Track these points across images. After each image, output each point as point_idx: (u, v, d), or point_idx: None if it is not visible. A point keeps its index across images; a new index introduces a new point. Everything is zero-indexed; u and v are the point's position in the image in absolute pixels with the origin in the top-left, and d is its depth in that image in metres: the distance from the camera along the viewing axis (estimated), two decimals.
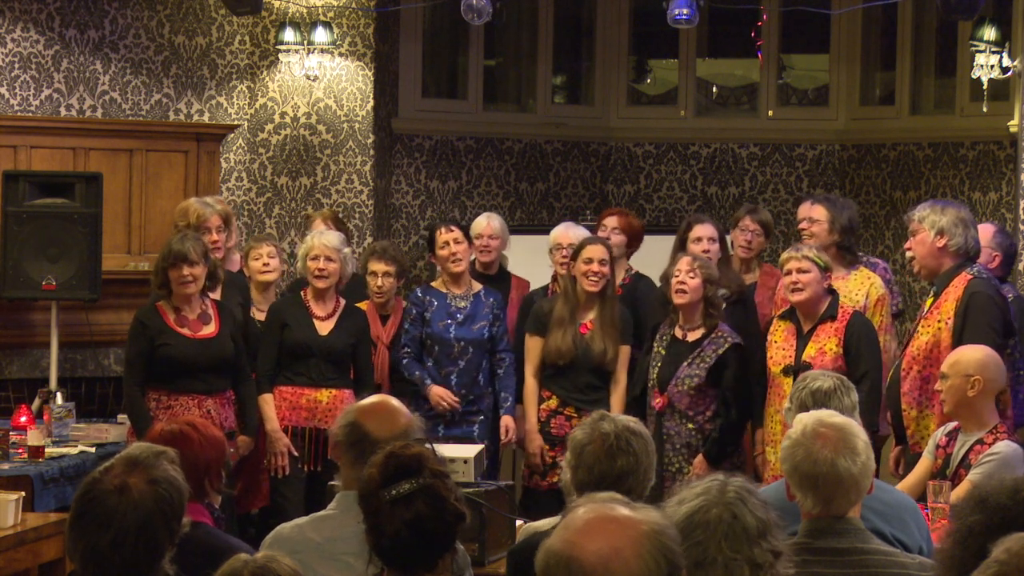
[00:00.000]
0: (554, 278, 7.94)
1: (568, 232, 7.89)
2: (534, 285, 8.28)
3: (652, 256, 8.14)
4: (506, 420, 7.62)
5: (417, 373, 7.62)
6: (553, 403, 7.52)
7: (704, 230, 7.70)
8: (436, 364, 7.64)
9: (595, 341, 7.43)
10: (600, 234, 7.91)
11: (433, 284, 7.85)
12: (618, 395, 7.46)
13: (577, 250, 7.55)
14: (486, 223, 8.24)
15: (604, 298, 7.48)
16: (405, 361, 7.69)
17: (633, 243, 8.10)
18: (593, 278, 7.41)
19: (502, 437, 7.68)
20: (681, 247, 7.69)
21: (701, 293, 7.11)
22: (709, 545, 3.11)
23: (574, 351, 7.43)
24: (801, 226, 7.55)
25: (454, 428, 7.53)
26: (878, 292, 7.35)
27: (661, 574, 2.56)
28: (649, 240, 8.43)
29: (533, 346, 7.57)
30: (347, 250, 7.72)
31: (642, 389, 7.29)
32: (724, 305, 7.28)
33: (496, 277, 8.20)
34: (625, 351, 7.51)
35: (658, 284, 7.60)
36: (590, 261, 7.44)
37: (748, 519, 3.17)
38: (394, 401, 4.44)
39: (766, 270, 8.20)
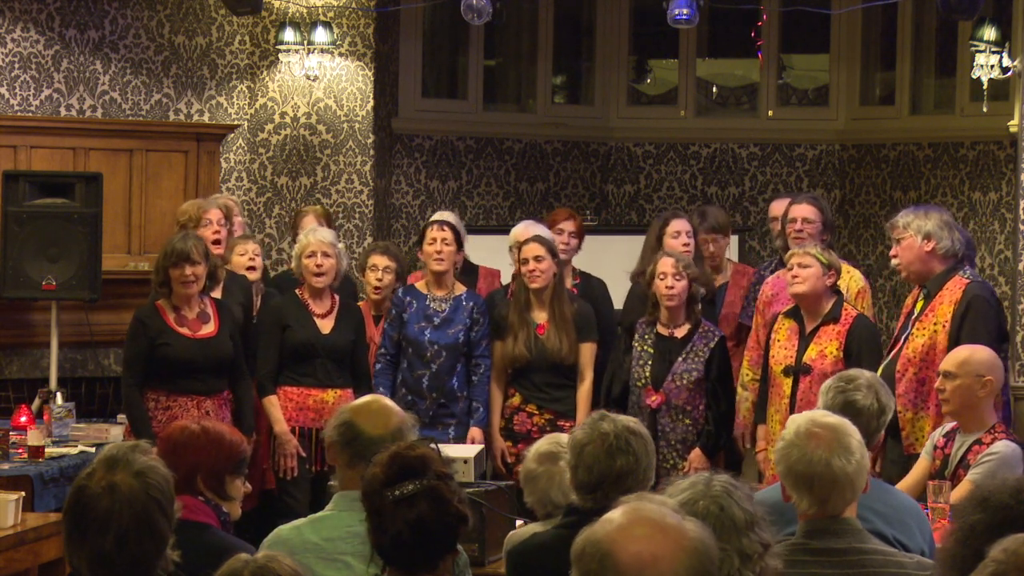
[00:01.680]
0: (514, 276, 7.93)
1: (528, 230, 7.82)
2: None
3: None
4: (473, 432, 7.52)
5: (381, 390, 7.50)
6: (516, 400, 7.57)
7: (682, 224, 7.72)
8: (409, 366, 7.60)
9: (550, 339, 7.45)
10: (557, 237, 7.88)
11: (416, 285, 7.79)
12: (584, 391, 7.49)
13: (519, 250, 7.59)
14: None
15: (554, 296, 7.49)
16: (379, 366, 7.65)
17: (580, 244, 8.13)
18: (532, 275, 7.45)
19: None
20: (657, 243, 7.70)
21: (687, 292, 7.17)
22: None
23: (528, 354, 7.47)
24: (796, 227, 7.51)
25: (427, 430, 7.49)
26: (858, 285, 7.38)
27: None
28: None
29: (495, 350, 7.61)
30: (340, 245, 7.72)
31: (622, 389, 7.30)
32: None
33: (462, 271, 8.16)
34: (588, 348, 7.51)
35: (630, 282, 7.75)
36: (526, 261, 7.49)
37: (736, 511, 3.18)
38: (386, 400, 4.47)
39: (736, 269, 8.25)
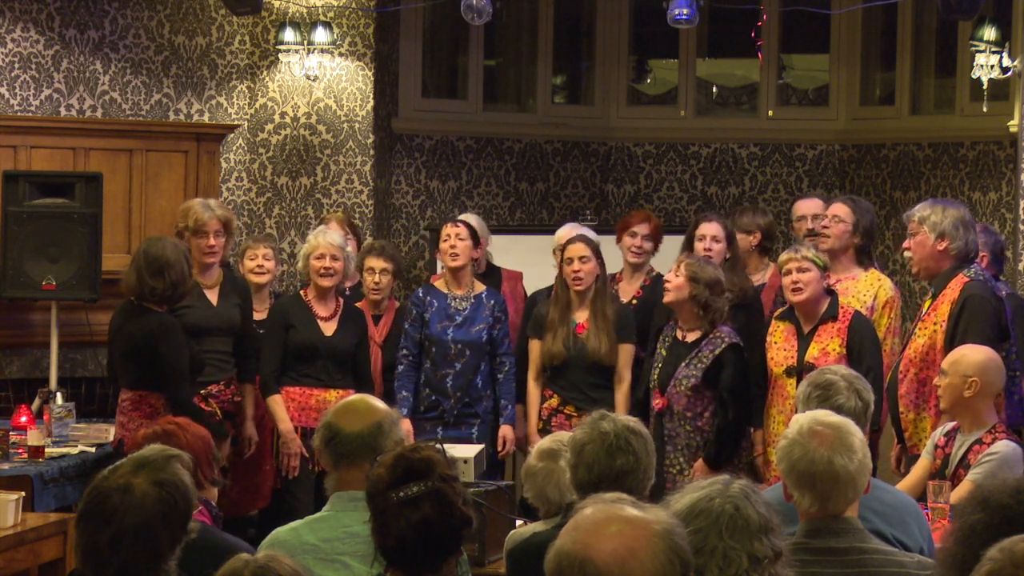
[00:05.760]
0: (558, 278, 7.91)
1: (571, 231, 7.83)
2: (533, 286, 8.27)
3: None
4: (504, 430, 7.55)
5: (404, 392, 7.53)
6: (554, 402, 7.50)
7: (707, 229, 7.61)
8: (433, 366, 7.60)
9: (590, 339, 7.41)
10: (629, 241, 7.83)
11: (436, 284, 7.80)
12: (622, 393, 7.41)
13: (562, 251, 7.56)
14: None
15: (596, 296, 7.45)
16: (400, 368, 7.62)
17: (657, 247, 7.98)
18: (575, 276, 7.42)
19: (499, 447, 7.64)
20: (688, 245, 7.66)
21: (686, 292, 7.05)
22: (710, 533, 3.11)
23: (566, 352, 7.42)
24: (823, 223, 7.45)
25: (451, 430, 7.49)
26: (887, 294, 7.30)
27: (675, 573, 2.57)
28: None
29: (533, 349, 7.57)
30: (348, 249, 7.73)
31: (645, 391, 7.27)
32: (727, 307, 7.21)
33: (484, 274, 8.17)
34: (627, 349, 7.45)
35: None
36: (570, 261, 7.44)
37: (750, 512, 3.17)
38: (369, 398, 4.45)
39: (776, 271, 8.18)
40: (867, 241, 7.49)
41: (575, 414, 7.37)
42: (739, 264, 7.67)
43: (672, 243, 7.93)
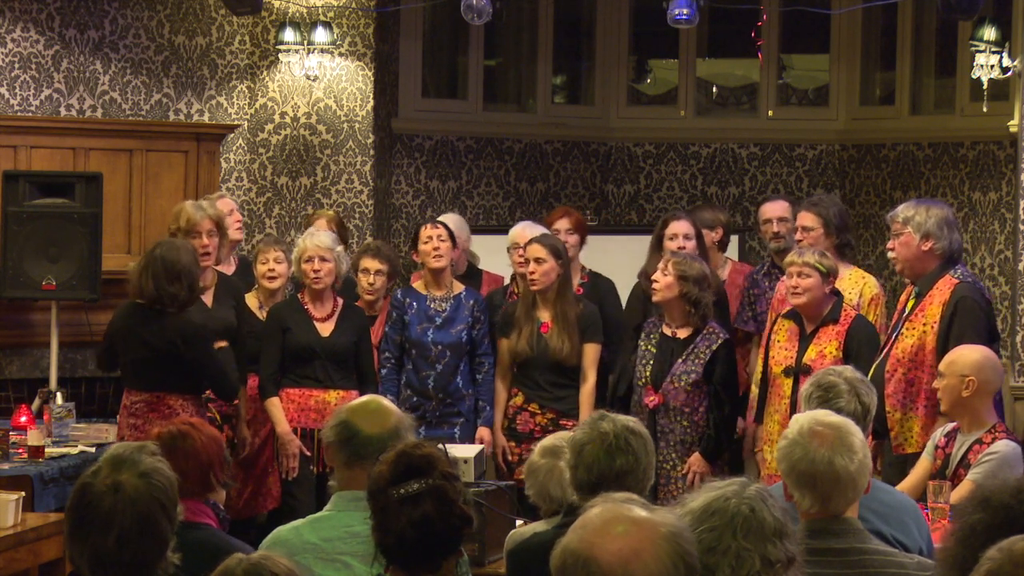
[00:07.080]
0: (513, 278, 7.92)
1: (526, 231, 7.83)
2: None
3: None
4: (481, 432, 7.53)
5: (388, 396, 7.54)
6: (519, 400, 7.56)
7: (679, 227, 7.65)
8: (414, 368, 7.60)
9: (553, 339, 7.45)
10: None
11: (414, 285, 7.79)
12: (586, 391, 7.47)
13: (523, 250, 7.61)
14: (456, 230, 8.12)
15: (558, 296, 7.47)
16: (384, 371, 7.63)
17: (584, 239, 8.05)
18: (531, 277, 7.45)
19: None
20: (658, 245, 7.68)
21: (676, 290, 7.09)
22: (724, 533, 3.10)
23: (530, 351, 7.46)
24: (796, 237, 7.50)
25: (435, 430, 7.50)
26: (872, 292, 7.34)
27: None
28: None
29: (501, 347, 7.61)
30: (340, 248, 7.71)
31: (627, 388, 7.30)
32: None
33: (465, 275, 8.16)
34: (592, 348, 7.49)
35: (636, 280, 7.73)
36: (527, 262, 7.49)
37: (766, 515, 3.16)
38: (384, 400, 4.46)
39: (735, 268, 8.23)
40: (844, 235, 7.50)
41: (539, 412, 7.49)
42: (707, 261, 7.72)
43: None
